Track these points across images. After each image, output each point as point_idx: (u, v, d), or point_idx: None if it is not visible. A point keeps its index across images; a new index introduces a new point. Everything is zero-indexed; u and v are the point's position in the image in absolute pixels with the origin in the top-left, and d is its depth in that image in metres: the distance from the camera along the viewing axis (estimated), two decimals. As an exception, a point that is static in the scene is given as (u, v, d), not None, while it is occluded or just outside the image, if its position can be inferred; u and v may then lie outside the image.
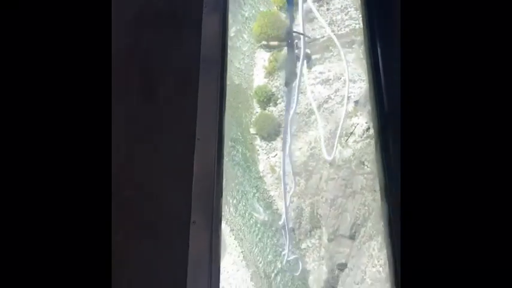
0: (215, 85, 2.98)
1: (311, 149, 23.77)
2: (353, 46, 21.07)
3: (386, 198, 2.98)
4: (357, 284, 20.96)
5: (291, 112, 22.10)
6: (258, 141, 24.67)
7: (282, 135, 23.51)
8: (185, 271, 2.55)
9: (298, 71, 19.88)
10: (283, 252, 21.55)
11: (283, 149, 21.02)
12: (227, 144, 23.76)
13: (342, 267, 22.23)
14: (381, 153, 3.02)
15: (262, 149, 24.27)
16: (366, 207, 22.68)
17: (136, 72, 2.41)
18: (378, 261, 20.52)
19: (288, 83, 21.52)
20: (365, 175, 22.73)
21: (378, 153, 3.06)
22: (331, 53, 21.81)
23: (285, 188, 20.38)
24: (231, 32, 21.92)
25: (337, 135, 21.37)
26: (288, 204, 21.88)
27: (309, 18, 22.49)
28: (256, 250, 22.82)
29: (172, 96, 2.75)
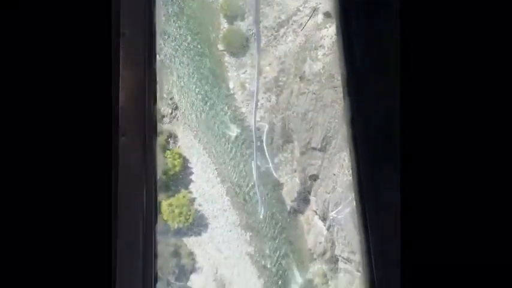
0: None
1: (281, 64, 23.02)
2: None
3: (348, 92, 2.72)
4: (328, 193, 21.46)
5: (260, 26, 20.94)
6: (226, 58, 23.81)
7: (251, 51, 22.59)
8: (115, 188, 2.14)
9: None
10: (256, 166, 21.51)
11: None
12: (194, 59, 22.68)
13: (314, 178, 22.67)
14: (342, 40, 2.62)
15: (232, 66, 23.47)
16: (337, 120, 22.64)
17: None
18: (348, 171, 20.79)
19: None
20: (335, 88, 22.40)
21: (339, 39, 2.66)
22: (299, -39, 20.42)
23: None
24: None
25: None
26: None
27: None
28: (230, 166, 23.08)
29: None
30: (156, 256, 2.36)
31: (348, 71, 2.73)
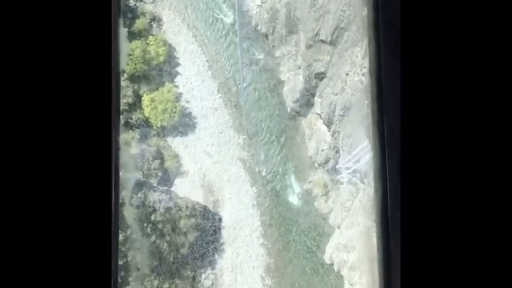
0: None
1: None
2: None
3: None
4: (336, 94, 20.86)
5: None
6: None
7: None
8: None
9: None
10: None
11: None
12: None
13: (321, 76, 21.60)
14: None
15: None
16: (352, 8, 21.41)
17: None
18: (361, 70, 20.03)
19: None
20: (352, -32, 20.73)
21: None
22: None
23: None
24: None
25: None
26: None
27: None
28: (223, 58, 22.14)
29: None
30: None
31: None
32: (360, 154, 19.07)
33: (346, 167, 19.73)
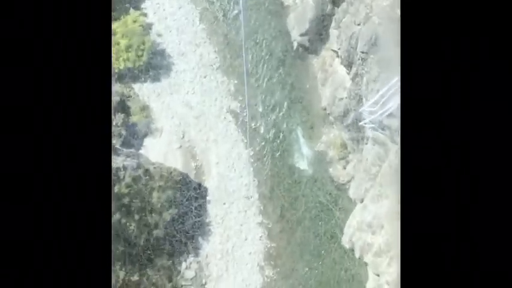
0: None
1: None
2: None
3: None
4: (358, 24, 17.04)
5: None
6: None
7: None
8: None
9: None
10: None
11: None
12: None
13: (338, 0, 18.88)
14: None
15: None
16: None
17: None
18: None
19: None
20: None
21: None
22: None
23: None
24: None
25: None
26: None
27: None
28: None
29: None
30: None
31: None
32: (389, 93, 16.01)
33: (371, 111, 16.74)
